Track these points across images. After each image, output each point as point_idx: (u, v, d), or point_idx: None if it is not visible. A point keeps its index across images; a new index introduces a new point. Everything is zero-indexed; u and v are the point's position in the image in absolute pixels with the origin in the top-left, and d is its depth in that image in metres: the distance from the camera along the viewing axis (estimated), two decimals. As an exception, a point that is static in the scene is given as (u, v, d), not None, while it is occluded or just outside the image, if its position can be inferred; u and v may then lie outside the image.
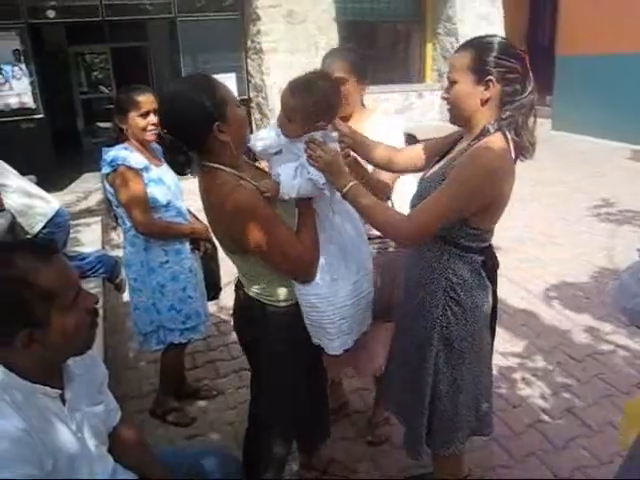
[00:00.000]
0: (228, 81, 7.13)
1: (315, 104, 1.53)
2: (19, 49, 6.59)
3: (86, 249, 4.18)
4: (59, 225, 3.82)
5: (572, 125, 9.07)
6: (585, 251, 4.57)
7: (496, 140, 1.54)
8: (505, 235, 4.76)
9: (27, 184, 3.84)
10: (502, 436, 2.47)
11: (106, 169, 2.35)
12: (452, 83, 1.61)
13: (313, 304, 1.64)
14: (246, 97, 7.47)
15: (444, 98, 1.66)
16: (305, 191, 1.53)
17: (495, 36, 1.60)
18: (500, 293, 3.98)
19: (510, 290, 3.85)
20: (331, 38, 7.01)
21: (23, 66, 6.64)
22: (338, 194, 1.60)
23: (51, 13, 6.73)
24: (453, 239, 1.64)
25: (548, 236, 4.96)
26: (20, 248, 1.22)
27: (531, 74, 1.58)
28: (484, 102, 1.56)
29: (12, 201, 3.59)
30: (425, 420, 1.79)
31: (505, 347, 3.18)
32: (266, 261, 1.58)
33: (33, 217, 3.68)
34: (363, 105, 2.25)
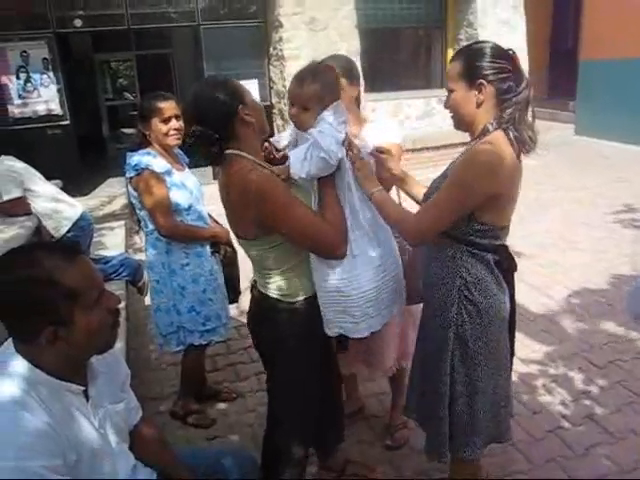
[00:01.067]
0: (250, 87, 7.20)
1: (323, 87, 1.65)
2: (47, 58, 6.75)
3: (110, 252, 4.25)
4: (83, 229, 3.92)
5: (595, 130, 8.95)
6: (607, 257, 4.50)
7: (495, 138, 1.60)
8: (526, 240, 4.73)
9: (53, 189, 3.94)
10: (521, 442, 2.45)
11: (130, 173, 2.41)
12: (450, 92, 1.69)
13: (338, 288, 1.67)
14: (268, 103, 7.54)
15: (446, 107, 1.74)
16: (318, 170, 1.59)
17: (484, 42, 1.68)
18: (520, 298, 3.96)
19: (530, 296, 3.82)
20: (352, 45, 7.04)
21: (51, 74, 6.81)
22: (351, 175, 1.69)
23: (78, 22, 6.89)
24: (464, 236, 1.66)
25: (569, 241, 4.90)
26: (46, 248, 1.27)
27: (524, 71, 1.65)
28: (480, 104, 1.63)
29: (38, 205, 3.69)
30: (446, 425, 1.80)
31: (525, 353, 3.16)
32: (292, 241, 1.64)
33: (59, 221, 3.78)
34: (358, 107, 2.28)
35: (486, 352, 1.73)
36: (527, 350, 3.20)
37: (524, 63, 7.84)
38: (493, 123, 1.62)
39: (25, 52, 6.65)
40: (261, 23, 7.40)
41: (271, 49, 7.34)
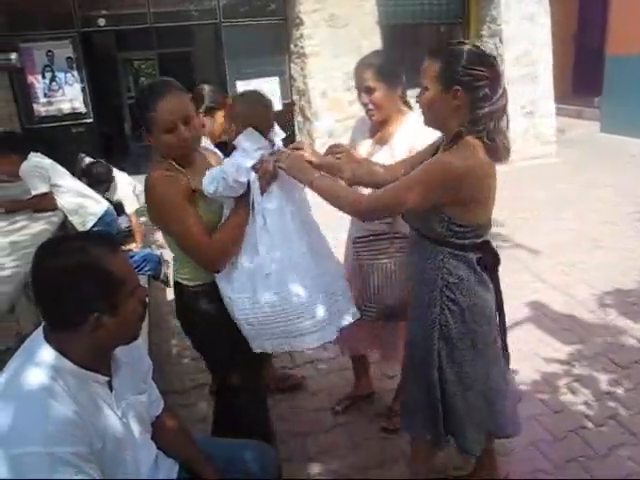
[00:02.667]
0: (271, 85, 7.24)
1: (245, 112, 1.82)
2: (72, 57, 6.85)
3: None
4: (109, 224, 3.99)
5: (622, 127, 8.78)
6: (632, 256, 4.42)
7: (467, 143, 1.61)
8: (549, 239, 4.67)
9: (79, 185, 4.02)
10: (542, 441, 2.43)
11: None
12: (423, 89, 1.68)
13: (227, 295, 1.81)
14: (289, 101, 7.56)
15: (417, 102, 1.75)
16: (223, 189, 1.72)
17: (464, 44, 1.65)
18: (543, 298, 3.93)
19: (553, 295, 3.77)
20: (374, 41, 7.01)
21: (75, 73, 6.91)
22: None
23: (102, 21, 6.98)
24: (444, 239, 1.69)
25: (593, 240, 4.82)
26: (90, 238, 1.31)
27: (502, 78, 1.63)
28: (453, 109, 1.62)
29: (64, 201, 3.77)
30: (441, 423, 1.82)
31: (547, 352, 3.13)
32: (176, 243, 1.81)
33: (85, 216, 3.86)
34: (402, 109, 2.27)
35: (472, 350, 1.75)
36: (549, 349, 3.16)
37: (549, 59, 7.74)
38: (466, 128, 1.61)
39: (50, 51, 6.76)
40: (282, 20, 7.41)
41: (292, 46, 7.34)
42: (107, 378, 1.30)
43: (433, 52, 1.68)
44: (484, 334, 1.77)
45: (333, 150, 2.00)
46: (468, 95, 1.59)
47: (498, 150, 1.63)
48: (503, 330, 1.87)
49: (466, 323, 1.72)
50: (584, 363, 3.03)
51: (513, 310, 3.45)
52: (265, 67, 7.31)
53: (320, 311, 1.80)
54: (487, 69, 1.59)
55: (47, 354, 1.20)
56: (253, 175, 1.75)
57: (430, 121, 1.73)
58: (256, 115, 1.82)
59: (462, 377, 1.77)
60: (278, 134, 1.88)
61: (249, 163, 1.75)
